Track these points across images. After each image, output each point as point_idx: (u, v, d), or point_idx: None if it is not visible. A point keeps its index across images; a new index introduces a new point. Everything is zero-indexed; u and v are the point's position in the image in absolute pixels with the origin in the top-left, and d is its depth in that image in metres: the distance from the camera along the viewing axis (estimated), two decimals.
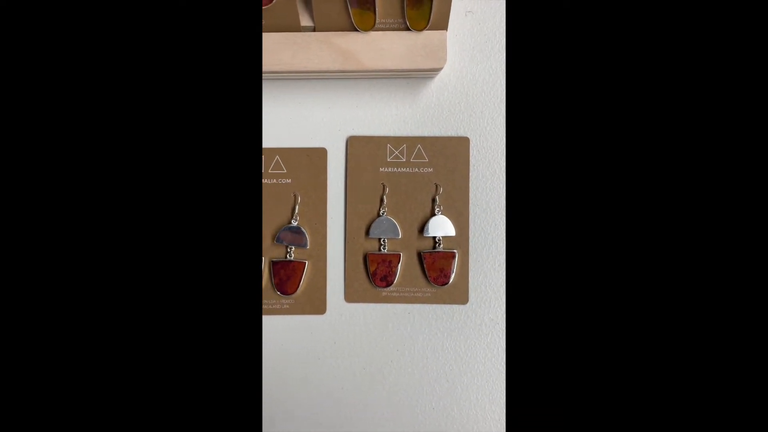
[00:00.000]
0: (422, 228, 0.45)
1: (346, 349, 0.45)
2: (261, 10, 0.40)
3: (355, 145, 0.46)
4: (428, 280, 0.45)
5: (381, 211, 0.46)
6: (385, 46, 0.42)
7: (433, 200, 0.46)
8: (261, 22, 0.41)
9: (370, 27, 0.42)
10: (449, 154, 0.45)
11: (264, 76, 0.44)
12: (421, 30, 0.42)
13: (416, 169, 0.46)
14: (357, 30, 0.42)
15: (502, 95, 0.46)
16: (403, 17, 0.41)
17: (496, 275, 0.45)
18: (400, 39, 0.42)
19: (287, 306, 0.45)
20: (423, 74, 0.45)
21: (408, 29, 0.42)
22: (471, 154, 0.46)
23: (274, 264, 0.45)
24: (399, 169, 0.46)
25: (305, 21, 0.43)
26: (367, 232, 0.46)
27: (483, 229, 0.45)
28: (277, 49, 0.42)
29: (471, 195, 0.45)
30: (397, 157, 0.46)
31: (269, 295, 0.45)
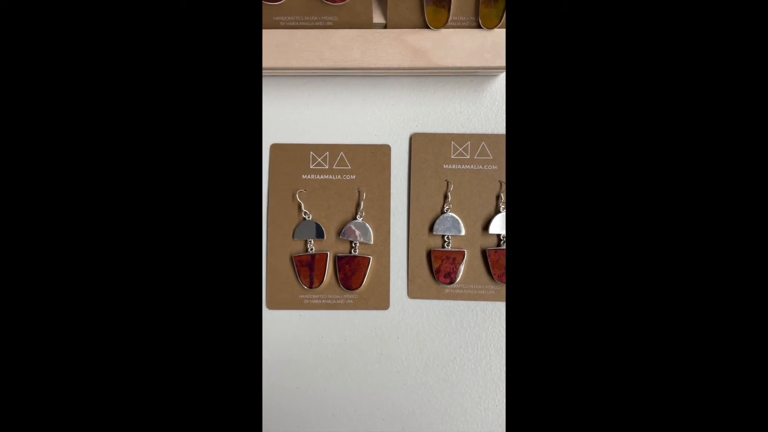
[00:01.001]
0: (486, 225, 0.45)
1: (409, 345, 0.45)
2: (261, 8, 0.40)
3: (418, 141, 0.46)
4: (492, 278, 0.45)
5: (445, 208, 0.46)
6: (455, 43, 0.42)
7: (497, 197, 0.46)
8: (261, 19, 0.41)
9: (443, 24, 0.42)
10: None
11: (332, 72, 0.44)
12: (492, 28, 0.42)
13: (480, 167, 0.46)
14: (429, 27, 0.42)
15: None
16: (476, 15, 0.42)
17: None
18: (470, 36, 0.42)
19: (351, 301, 0.46)
20: (489, 72, 0.45)
21: (479, 27, 0.42)
22: None
23: (339, 259, 0.45)
24: (463, 166, 0.46)
25: (377, 18, 0.43)
26: (431, 229, 0.46)
27: None
28: (348, 46, 0.43)
29: None
30: (461, 154, 0.46)
31: (333, 290, 0.46)
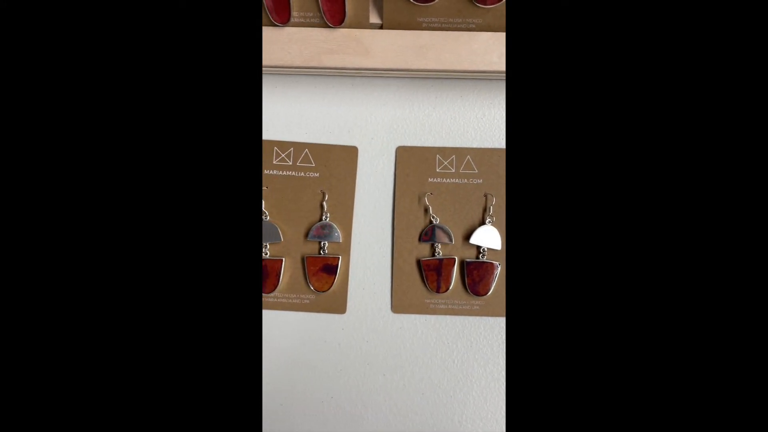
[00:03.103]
0: None
1: None
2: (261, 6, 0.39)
3: None
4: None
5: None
6: None
7: None
8: (261, 18, 0.41)
9: None
10: None
11: (464, 75, 0.44)
12: None
13: None
14: None
15: None
16: None
17: None
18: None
19: (477, 308, 0.45)
20: None
21: None
22: None
23: (467, 264, 0.45)
24: None
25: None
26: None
27: None
28: (489, 50, 0.42)
29: None
30: None
31: (460, 296, 0.45)
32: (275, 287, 0.45)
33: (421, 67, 0.43)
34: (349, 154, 0.46)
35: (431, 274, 0.45)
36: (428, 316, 0.45)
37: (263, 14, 0.42)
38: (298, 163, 0.46)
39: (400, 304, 0.45)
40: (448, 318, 0.45)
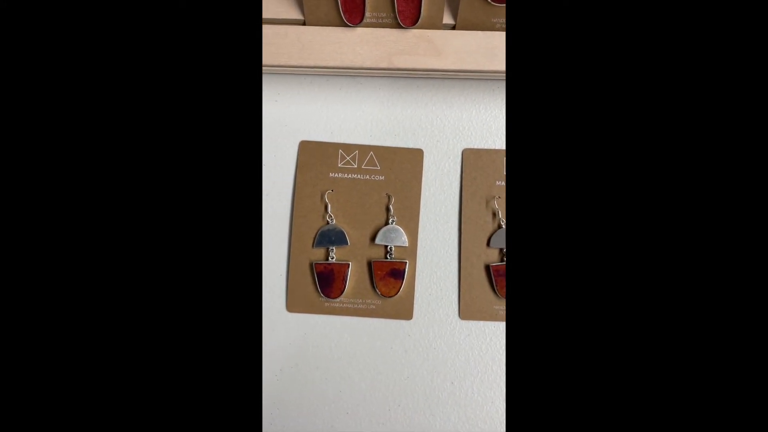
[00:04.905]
0: None
1: None
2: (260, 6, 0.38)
3: None
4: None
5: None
6: None
7: None
8: (261, 18, 0.40)
9: None
10: None
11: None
12: None
13: None
14: None
15: None
16: None
17: None
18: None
19: None
20: None
21: None
22: None
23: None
24: None
25: None
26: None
27: None
28: None
29: None
30: None
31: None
32: (341, 292, 0.44)
33: (492, 68, 0.42)
34: (415, 156, 0.46)
35: (500, 279, 0.44)
36: (497, 323, 0.44)
37: (337, 14, 0.41)
38: (363, 166, 0.45)
39: (467, 310, 0.44)
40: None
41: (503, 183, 0.45)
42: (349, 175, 0.45)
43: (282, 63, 0.42)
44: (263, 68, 0.42)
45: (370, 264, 0.44)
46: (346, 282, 0.44)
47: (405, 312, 0.44)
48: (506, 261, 0.44)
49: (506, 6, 0.38)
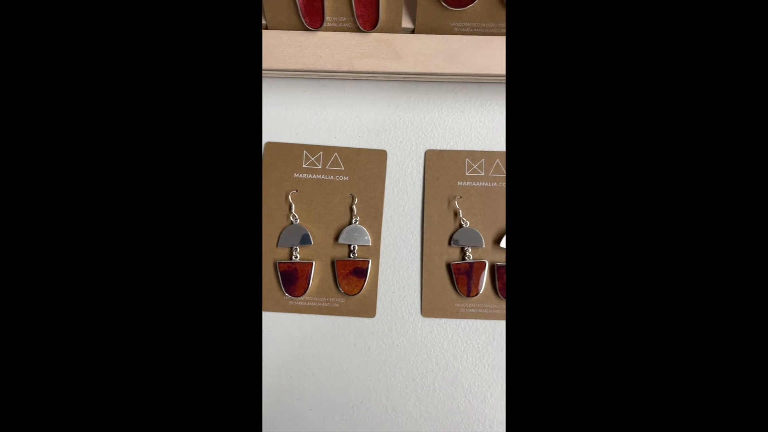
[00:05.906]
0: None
1: None
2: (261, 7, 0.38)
3: None
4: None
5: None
6: None
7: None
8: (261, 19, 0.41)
9: None
10: None
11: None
12: None
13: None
14: None
15: None
16: None
17: None
18: None
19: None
20: None
21: None
22: None
23: (498, 268, 0.45)
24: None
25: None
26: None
27: None
28: None
29: None
30: None
31: (490, 300, 0.45)
32: (305, 291, 0.45)
33: (453, 71, 0.43)
34: (378, 157, 0.46)
35: (461, 277, 0.45)
36: (458, 320, 0.45)
37: (298, 19, 0.42)
38: (327, 167, 0.46)
39: (429, 307, 0.45)
40: (479, 322, 0.45)
41: (465, 183, 0.46)
42: (314, 176, 0.46)
43: None
44: None
45: (333, 263, 0.45)
46: (309, 281, 0.45)
47: (368, 310, 0.45)
48: (506, 261, 0.45)
49: (506, 6, 0.38)
